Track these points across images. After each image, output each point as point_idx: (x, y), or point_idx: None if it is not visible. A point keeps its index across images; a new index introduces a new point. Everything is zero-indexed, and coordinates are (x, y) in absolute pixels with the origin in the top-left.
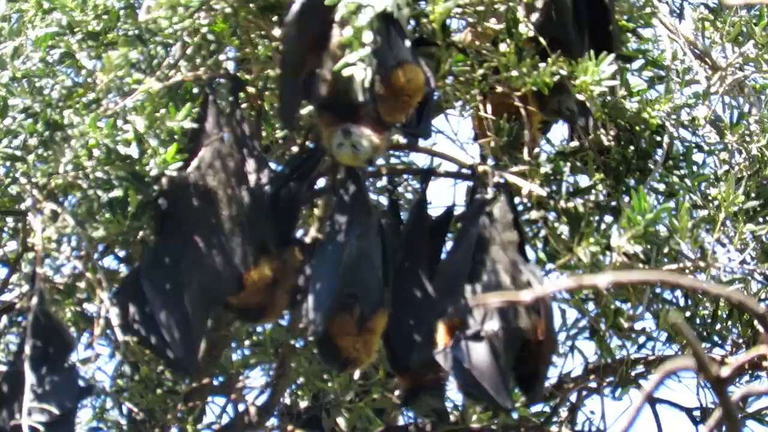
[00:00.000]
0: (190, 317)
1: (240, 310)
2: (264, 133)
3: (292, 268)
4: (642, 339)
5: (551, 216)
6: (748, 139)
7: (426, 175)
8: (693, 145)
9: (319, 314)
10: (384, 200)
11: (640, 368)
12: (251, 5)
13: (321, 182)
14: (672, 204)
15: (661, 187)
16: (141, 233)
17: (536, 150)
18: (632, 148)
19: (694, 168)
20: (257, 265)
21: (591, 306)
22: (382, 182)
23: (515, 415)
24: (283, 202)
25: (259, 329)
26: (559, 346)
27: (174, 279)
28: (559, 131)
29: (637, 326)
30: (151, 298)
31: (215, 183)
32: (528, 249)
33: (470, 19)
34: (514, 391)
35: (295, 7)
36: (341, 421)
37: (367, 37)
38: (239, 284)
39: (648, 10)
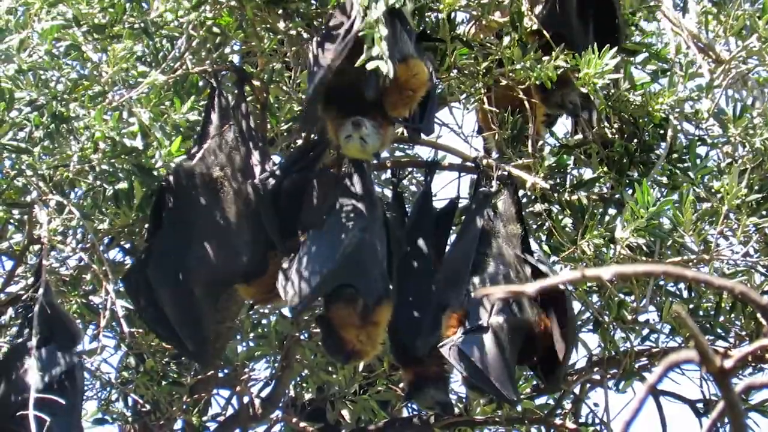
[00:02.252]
0: (199, 307)
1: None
2: (269, 125)
3: None
4: (645, 331)
5: (555, 209)
6: (751, 132)
7: (430, 167)
8: (696, 138)
9: (304, 294)
10: (388, 193)
11: (644, 360)
12: None
13: None
14: (675, 197)
15: (665, 179)
16: (146, 225)
17: (540, 143)
18: (636, 141)
19: (698, 161)
20: (262, 258)
21: (595, 298)
22: (387, 175)
23: (519, 408)
24: (286, 194)
25: (263, 321)
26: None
27: (180, 270)
28: (563, 124)
29: (641, 318)
30: (159, 289)
31: (220, 174)
32: (532, 241)
33: (474, 12)
34: (519, 383)
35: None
36: (346, 413)
37: (383, 30)
38: (244, 276)
39: (652, 2)
